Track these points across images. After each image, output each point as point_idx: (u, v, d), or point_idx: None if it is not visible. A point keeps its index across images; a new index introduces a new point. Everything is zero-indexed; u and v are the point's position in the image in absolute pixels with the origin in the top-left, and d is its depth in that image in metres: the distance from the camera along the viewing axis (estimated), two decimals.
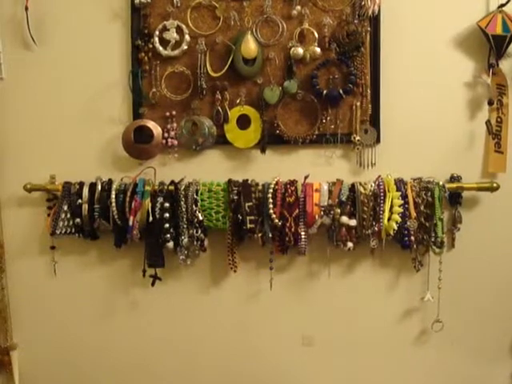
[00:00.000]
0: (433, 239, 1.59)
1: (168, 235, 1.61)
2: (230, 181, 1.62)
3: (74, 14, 1.69)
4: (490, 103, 1.60)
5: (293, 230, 1.58)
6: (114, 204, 1.61)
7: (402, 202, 1.56)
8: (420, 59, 1.62)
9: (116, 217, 1.62)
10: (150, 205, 1.60)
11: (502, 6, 1.55)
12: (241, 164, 1.68)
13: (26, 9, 1.66)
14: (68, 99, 1.72)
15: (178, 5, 1.63)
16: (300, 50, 1.59)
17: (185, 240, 1.61)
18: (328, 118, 1.63)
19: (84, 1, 1.68)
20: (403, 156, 1.65)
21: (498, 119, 1.61)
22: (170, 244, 1.61)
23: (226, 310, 1.76)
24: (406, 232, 1.57)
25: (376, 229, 1.56)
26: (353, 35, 1.59)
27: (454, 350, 1.72)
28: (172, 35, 1.63)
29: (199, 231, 1.62)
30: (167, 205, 1.61)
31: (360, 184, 1.58)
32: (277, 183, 1.59)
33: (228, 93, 1.63)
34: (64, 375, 1.84)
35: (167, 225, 1.60)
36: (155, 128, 1.66)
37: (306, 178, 1.60)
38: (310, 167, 1.64)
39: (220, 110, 1.63)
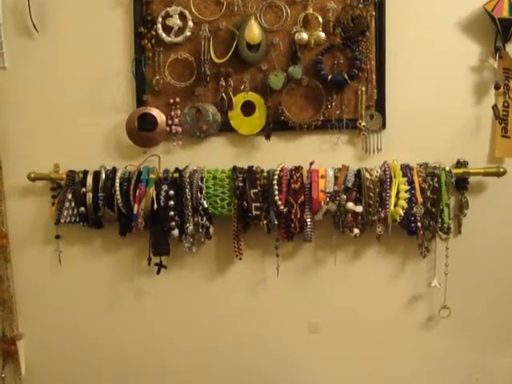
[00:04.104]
0: (439, 225, 1.58)
1: (173, 223, 1.60)
2: (234, 168, 1.61)
3: (76, 2, 1.68)
4: (497, 87, 1.58)
5: (298, 216, 1.57)
6: (118, 192, 1.60)
7: (408, 187, 1.54)
8: (425, 43, 1.60)
9: (120, 205, 1.61)
10: (154, 193, 1.59)
11: None
12: (245, 151, 1.67)
13: None
14: (71, 87, 1.71)
15: None
16: (304, 35, 1.58)
17: (190, 228, 1.61)
18: (333, 104, 1.62)
19: None
20: (409, 141, 1.63)
21: (505, 103, 1.60)
22: (175, 232, 1.61)
23: (231, 298, 1.75)
24: (412, 218, 1.56)
25: (382, 215, 1.55)
26: (357, 20, 1.57)
27: (461, 336, 1.71)
28: (175, 21, 1.61)
29: (204, 219, 1.61)
30: (172, 192, 1.60)
31: (366, 170, 1.57)
32: (282, 170, 1.58)
33: (232, 79, 1.62)
34: (70, 364, 1.84)
35: (172, 212, 1.60)
36: (159, 115, 1.65)
37: (311, 164, 1.59)
38: (315, 153, 1.63)
39: (224, 96, 1.62)
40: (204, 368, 1.81)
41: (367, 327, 1.73)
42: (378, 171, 1.57)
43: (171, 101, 1.65)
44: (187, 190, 1.60)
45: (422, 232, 1.58)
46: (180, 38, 1.62)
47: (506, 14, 1.53)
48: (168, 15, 1.61)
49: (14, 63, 1.72)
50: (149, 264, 1.67)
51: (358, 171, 1.58)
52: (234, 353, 1.79)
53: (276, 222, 1.58)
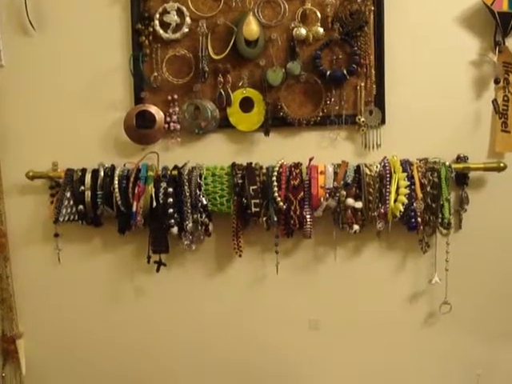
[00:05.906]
0: (440, 220, 1.57)
1: (172, 220, 1.59)
2: (233, 164, 1.61)
3: None
4: (497, 82, 1.58)
5: (298, 213, 1.56)
6: (117, 190, 1.60)
7: (408, 183, 1.53)
8: (425, 38, 1.59)
9: (119, 203, 1.60)
10: (153, 190, 1.59)
11: None
12: (244, 147, 1.67)
13: None
14: (69, 85, 1.70)
15: None
16: (303, 31, 1.57)
17: (189, 225, 1.60)
18: (332, 99, 1.61)
19: None
20: (409, 137, 1.62)
21: (505, 98, 1.59)
22: (175, 229, 1.60)
23: (231, 295, 1.75)
24: (412, 213, 1.55)
25: (382, 211, 1.55)
26: (356, 14, 1.56)
27: (462, 332, 1.71)
28: (173, 18, 1.61)
29: (203, 216, 1.60)
30: (171, 190, 1.59)
31: (365, 165, 1.56)
32: (281, 166, 1.57)
33: (230, 75, 1.62)
34: (70, 363, 1.84)
35: (171, 210, 1.59)
36: (157, 112, 1.65)
37: (310, 160, 1.58)
38: (314, 149, 1.63)
39: (222, 92, 1.61)
40: (204, 364, 1.81)
41: (368, 323, 1.73)
42: (377, 167, 1.56)
43: (169, 98, 1.65)
44: (186, 188, 1.59)
45: (422, 227, 1.57)
46: (178, 35, 1.61)
47: (505, 7, 1.52)
48: (165, 11, 1.61)
49: (11, 61, 1.71)
50: (148, 262, 1.67)
51: (358, 167, 1.57)
52: (235, 349, 1.79)
53: (275, 219, 1.57)
